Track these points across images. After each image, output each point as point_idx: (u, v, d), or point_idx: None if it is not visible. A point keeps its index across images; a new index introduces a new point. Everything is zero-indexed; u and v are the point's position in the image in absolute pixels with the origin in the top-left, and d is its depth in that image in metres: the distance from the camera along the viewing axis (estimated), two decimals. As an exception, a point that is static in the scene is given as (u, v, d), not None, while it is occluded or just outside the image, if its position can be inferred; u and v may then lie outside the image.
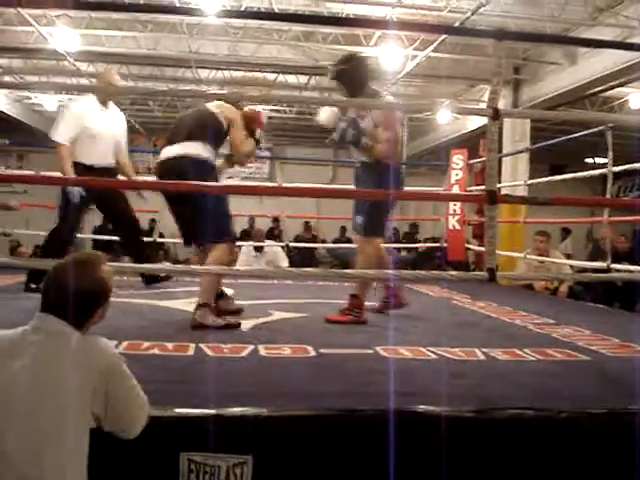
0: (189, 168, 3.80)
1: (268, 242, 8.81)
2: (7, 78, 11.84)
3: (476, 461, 2.28)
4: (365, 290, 4.31)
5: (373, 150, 4.20)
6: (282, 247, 8.56)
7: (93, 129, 5.12)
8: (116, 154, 5.38)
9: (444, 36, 8.60)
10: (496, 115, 2.99)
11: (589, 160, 16.36)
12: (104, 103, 5.27)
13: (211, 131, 4.00)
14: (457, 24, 8.46)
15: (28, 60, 11.61)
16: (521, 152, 9.85)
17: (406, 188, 7.80)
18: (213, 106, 4.09)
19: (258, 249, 8.31)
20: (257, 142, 4.30)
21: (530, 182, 7.78)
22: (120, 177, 5.46)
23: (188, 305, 4.63)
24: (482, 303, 5.17)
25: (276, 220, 13.36)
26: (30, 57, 11.34)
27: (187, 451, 2.10)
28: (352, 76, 4.21)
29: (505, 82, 10.18)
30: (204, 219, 3.81)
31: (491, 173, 3.01)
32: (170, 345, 3.18)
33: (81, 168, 4.97)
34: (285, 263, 8.34)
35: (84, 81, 11.48)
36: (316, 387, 2.58)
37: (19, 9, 7.92)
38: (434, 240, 10.85)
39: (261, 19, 8.56)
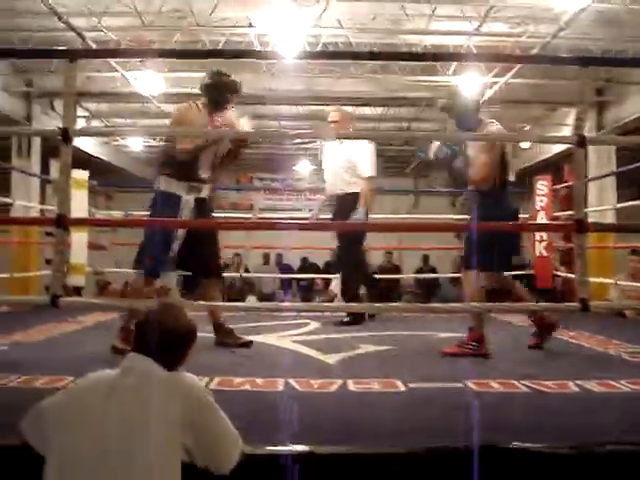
0: None
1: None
2: (95, 122, 12.31)
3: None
4: (481, 322, 4.18)
5: (465, 174, 4.23)
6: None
7: (324, 163, 6.06)
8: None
9: (522, 62, 8.51)
10: (582, 143, 2.93)
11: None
12: (339, 137, 5.92)
13: None
14: (537, 49, 8.36)
15: (114, 104, 12.05)
16: (608, 176, 9.58)
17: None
18: None
19: None
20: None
21: (619, 206, 7.52)
22: None
23: (277, 340, 4.69)
24: (573, 332, 5.02)
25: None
26: (116, 101, 11.75)
27: (281, 489, 2.11)
28: (457, 110, 4.31)
29: (588, 105, 9.96)
30: None
31: (579, 201, 2.96)
32: (260, 381, 3.22)
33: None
34: None
35: (168, 122, 11.80)
36: (406, 424, 2.56)
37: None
38: (518, 267, 10.61)
39: (341, 59, 8.68)
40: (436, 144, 4.30)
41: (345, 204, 5.63)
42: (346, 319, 5.61)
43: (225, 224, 4.80)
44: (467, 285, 4.31)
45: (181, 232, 4.17)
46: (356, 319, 5.59)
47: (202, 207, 4.32)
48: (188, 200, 4.22)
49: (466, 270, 4.28)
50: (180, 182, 4.22)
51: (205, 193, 4.37)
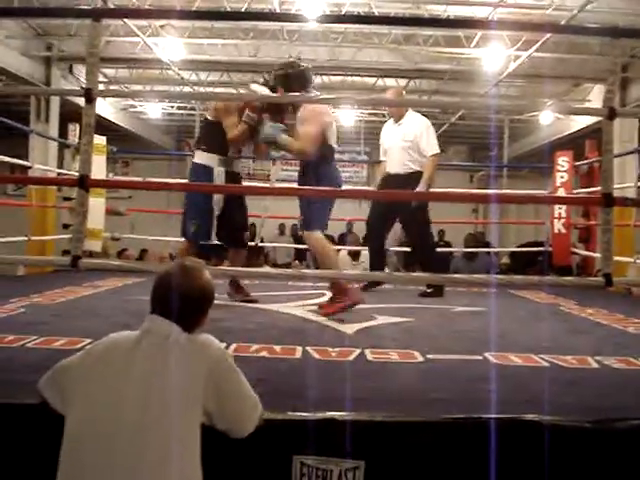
0: None
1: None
2: (113, 88, 12.26)
3: (593, 474, 2.20)
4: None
5: (291, 147, 4.37)
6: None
7: (384, 144, 6.18)
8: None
9: (548, 35, 8.36)
10: (612, 115, 2.88)
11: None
12: (397, 119, 6.02)
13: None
14: (563, 22, 8.23)
15: (133, 70, 12.00)
16: (631, 153, 9.44)
17: (508, 191, 7.67)
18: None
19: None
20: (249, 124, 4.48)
21: (641, 184, 7.35)
22: None
23: (291, 308, 4.68)
24: (591, 310, 4.99)
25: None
26: (135, 67, 11.71)
27: (300, 454, 2.11)
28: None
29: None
30: None
31: (607, 175, 2.91)
32: (278, 348, 3.21)
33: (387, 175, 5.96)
34: None
35: (187, 89, 11.76)
36: (426, 394, 2.54)
37: (125, 20, 8.20)
38: (536, 244, 10.56)
39: (363, 23, 8.57)
40: (263, 127, 4.41)
41: (409, 182, 5.63)
42: (429, 290, 5.66)
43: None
44: (312, 247, 4.45)
45: (220, 202, 4.46)
46: (437, 291, 5.67)
47: (234, 180, 4.62)
48: (220, 172, 4.48)
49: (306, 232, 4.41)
50: (212, 155, 4.50)
51: (237, 167, 4.69)
